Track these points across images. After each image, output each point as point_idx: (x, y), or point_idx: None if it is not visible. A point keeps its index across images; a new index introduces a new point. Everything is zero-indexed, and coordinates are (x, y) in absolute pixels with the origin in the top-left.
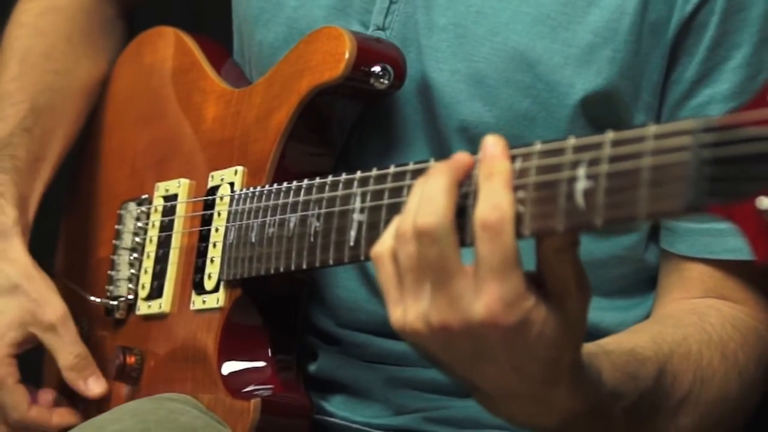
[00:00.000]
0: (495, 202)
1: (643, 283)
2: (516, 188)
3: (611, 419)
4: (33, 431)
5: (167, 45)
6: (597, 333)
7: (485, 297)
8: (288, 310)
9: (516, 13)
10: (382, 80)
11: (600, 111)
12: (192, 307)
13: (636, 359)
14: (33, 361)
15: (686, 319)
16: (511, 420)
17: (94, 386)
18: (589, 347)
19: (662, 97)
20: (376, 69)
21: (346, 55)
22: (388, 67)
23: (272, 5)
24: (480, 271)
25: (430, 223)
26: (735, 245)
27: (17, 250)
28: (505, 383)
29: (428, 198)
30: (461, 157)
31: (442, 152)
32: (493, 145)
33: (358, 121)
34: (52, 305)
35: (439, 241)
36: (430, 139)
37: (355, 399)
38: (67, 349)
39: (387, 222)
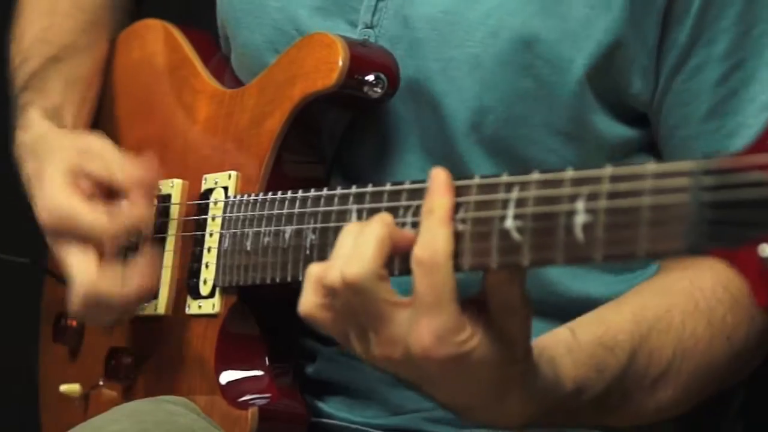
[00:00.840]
0: (429, 239)
1: None
2: (515, 217)
3: (576, 410)
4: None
5: (156, 39)
6: None
7: (419, 331)
8: (285, 315)
9: None
10: (375, 89)
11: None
12: (188, 311)
13: (605, 348)
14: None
15: (677, 286)
16: (480, 424)
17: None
18: (553, 346)
19: (659, 63)
20: (370, 78)
21: (340, 64)
22: (382, 76)
23: (255, 6)
24: (415, 304)
25: (355, 275)
26: None
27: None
28: (456, 400)
29: (359, 249)
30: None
31: (442, 147)
32: (435, 178)
33: (352, 121)
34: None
35: (365, 292)
36: (424, 135)
37: (354, 400)
38: (113, 162)
39: None
